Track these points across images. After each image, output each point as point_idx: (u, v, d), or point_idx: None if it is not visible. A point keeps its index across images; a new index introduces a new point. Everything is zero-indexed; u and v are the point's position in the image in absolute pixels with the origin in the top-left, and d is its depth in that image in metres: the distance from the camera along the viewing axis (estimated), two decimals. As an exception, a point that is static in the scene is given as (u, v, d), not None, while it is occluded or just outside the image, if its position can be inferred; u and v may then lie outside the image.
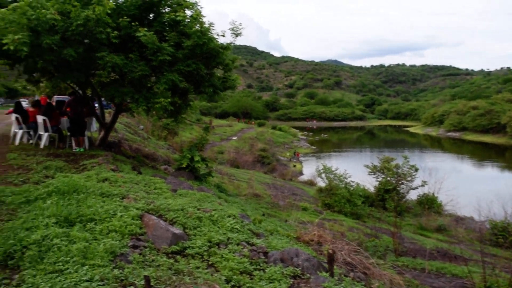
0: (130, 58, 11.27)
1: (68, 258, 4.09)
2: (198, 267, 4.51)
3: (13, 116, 13.81)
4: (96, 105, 15.24)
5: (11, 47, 9.36)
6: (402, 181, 22.60)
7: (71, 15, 10.16)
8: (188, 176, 12.36)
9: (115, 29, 10.81)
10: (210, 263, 4.81)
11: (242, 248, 5.33)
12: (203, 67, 12.35)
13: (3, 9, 9.72)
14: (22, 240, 4.53)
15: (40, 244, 4.44)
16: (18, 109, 14.07)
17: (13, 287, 3.71)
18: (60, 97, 19.55)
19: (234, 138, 61.98)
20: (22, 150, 11.70)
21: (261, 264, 4.97)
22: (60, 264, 3.99)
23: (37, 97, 20.77)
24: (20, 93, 56.19)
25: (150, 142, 26.99)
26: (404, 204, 22.14)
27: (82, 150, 12.31)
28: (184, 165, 12.74)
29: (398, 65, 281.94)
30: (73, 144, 12.62)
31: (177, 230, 5.31)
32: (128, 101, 12.51)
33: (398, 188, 22.58)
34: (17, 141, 13.25)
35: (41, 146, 12.54)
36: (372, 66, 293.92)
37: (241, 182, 25.58)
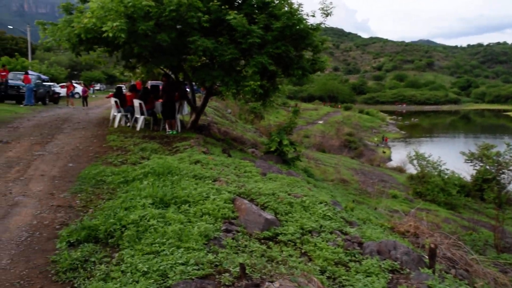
0: (220, 41, 11.35)
1: (164, 240, 4.14)
2: (291, 255, 4.35)
3: (112, 100, 14.62)
4: (188, 89, 15.66)
5: (110, 34, 9.83)
6: (504, 170, 20.87)
7: (164, 1, 10.41)
8: (277, 160, 12.29)
9: (205, 13, 10.91)
10: (303, 251, 4.62)
11: (336, 237, 5.09)
12: (292, 49, 12.13)
13: None
14: (122, 219, 4.69)
15: (137, 224, 4.56)
16: (118, 93, 14.86)
17: (113, 265, 3.82)
18: (154, 82, 20.41)
19: (320, 122, 61.17)
20: (120, 132, 12.35)
21: (357, 256, 4.70)
22: (157, 245, 4.05)
23: (132, 82, 21.86)
24: (117, 79, 59.98)
25: (237, 126, 27.44)
26: (505, 195, 20.42)
27: (174, 132, 12.71)
28: (272, 149, 12.69)
29: (498, 43, 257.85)
30: (166, 127, 13.07)
31: (269, 215, 5.20)
32: (218, 84, 12.66)
33: (499, 178, 20.89)
34: (116, 124, 14.06)
35: (137, 128, 13.16)
36: (468, 45, 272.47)
37: (328, 166, 25.19)
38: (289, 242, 4.78)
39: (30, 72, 24.73)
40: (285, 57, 12.18)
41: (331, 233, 5.21)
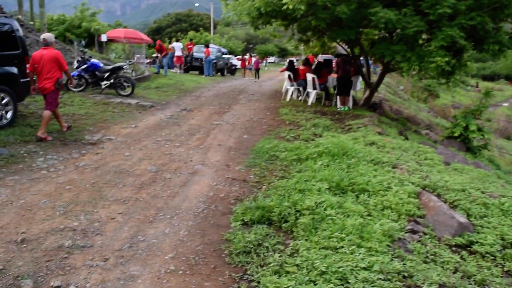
0: (403, 12, 10.34)
1: (343, 235, 3.72)
2: (493, 275, 3.55)
3: (286, 73, 14.69)
4: (363, 63, 14.94)
5: (290, 6, 9.72)
6: None
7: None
8: (459, 147, 10.95)
9: (389, -18, 10.04)
10: (505, 269, 3.76)
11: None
12: (490, 20, 10.44)
13: None
14: (296, 203, 4.41)
15: (313, 211, 4.24)
16: (291, 67, 14.88)
17: (287, 256, 3.56)
18: (326, 56, 20.07)
19: (505, 104, 53.95)
20: (292, 106, 12.33)
21: None
22: (335, 240, 3.66)
23: (303, 56, 21.82)
24: (289, 52, 61.40)
25: (410, 104, 25.62)
26: None
27: (346, 109, 12.22)
28: (456, 134, 11.32)
29: None
30: (338, 103, 12.61)
31: (462, 217, 4.39)
32: (398, 60, 11.67)
33: None
34: (288, 97, 14.12)
35: (309, 103, 12.99)
36: None
37: (515, 156, 22.02)
38: (487, 254, 3.92)
39: (211, 45, 26.58)
40: (480, 30, 10.58)
41: (541, 251, 4.19)
